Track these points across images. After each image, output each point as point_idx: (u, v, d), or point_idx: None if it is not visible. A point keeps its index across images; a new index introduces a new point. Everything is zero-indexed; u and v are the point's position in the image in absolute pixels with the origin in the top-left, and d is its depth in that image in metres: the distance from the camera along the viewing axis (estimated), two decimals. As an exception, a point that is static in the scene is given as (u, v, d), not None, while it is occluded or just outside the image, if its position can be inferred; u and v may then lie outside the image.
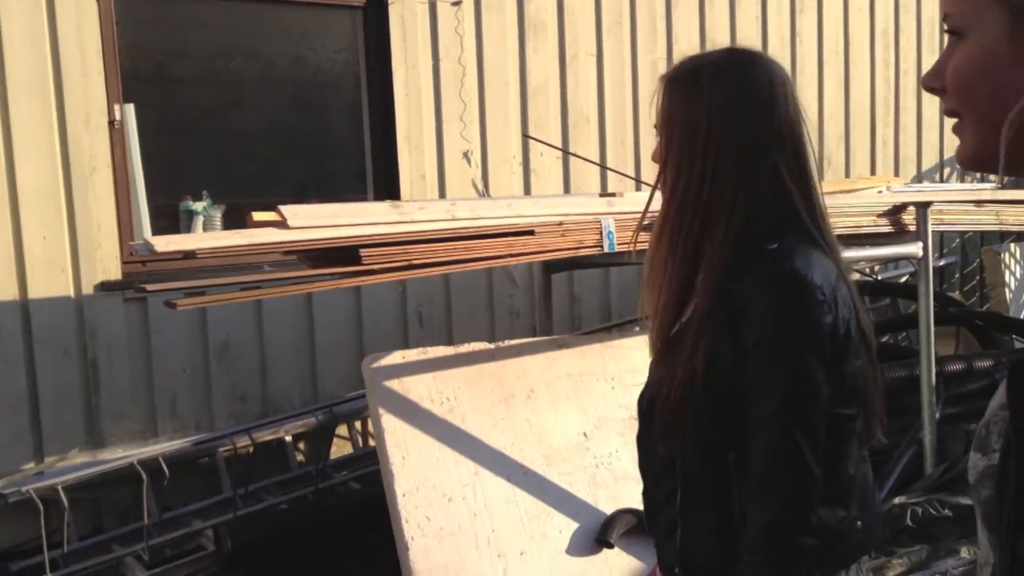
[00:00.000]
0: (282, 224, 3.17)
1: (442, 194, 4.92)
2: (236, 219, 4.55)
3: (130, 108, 4.10)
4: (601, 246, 3.55)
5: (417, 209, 3.55)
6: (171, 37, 4.39)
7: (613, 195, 4.45)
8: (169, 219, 4.47)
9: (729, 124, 1.42)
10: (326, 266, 3.25)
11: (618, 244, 3.56)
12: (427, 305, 4.89)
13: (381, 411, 3.61)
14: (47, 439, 3.87)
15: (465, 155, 4.95)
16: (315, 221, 3.23)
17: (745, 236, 1.42)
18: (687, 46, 5.66)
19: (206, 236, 3.09)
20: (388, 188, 4.83)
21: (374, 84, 4.81)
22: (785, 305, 1.36)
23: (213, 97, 4.61)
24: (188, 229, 4.48)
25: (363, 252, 3.20)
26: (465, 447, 3.65)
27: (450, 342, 4.89)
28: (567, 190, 5.24)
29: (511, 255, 3.59)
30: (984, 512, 0.81)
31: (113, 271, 4.04)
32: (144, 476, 3.70)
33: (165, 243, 2.92)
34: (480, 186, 5.01)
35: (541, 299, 4.35)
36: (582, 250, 3.52)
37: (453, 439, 3.64)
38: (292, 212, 3.20)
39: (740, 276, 1.40)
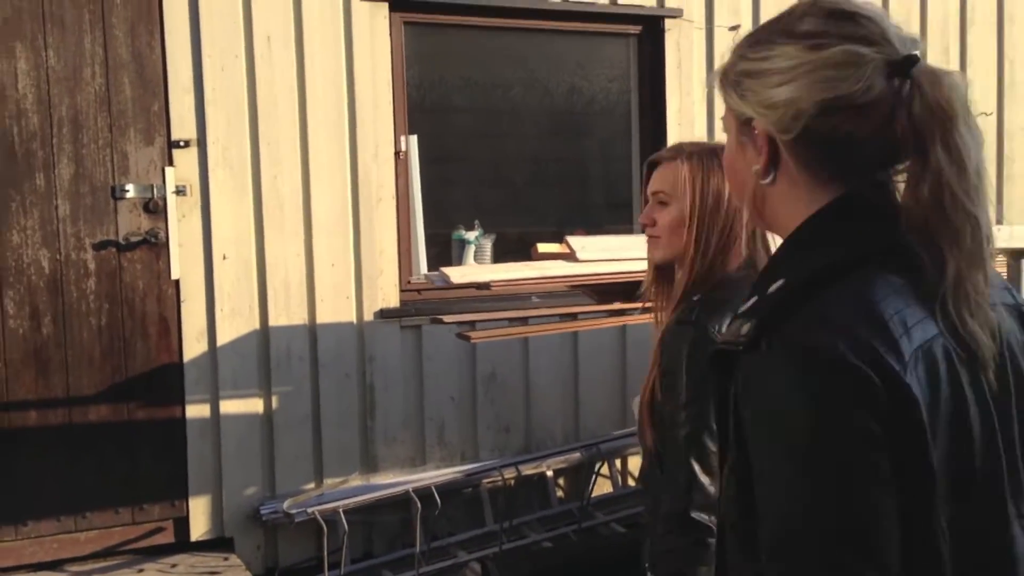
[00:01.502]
0: (570, 257, 3.08)
1: (712, 227, 4.70)
2: (504, 248, 4.56)
3: (413, 139, 4.19)
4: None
5: (704, 244, 3.37)
6: (452, 68, 4.47)
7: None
8: (439, 247, 4.53)
9: (713, 187, 1.79)
10: (612, 300, 3.13)
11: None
12: (693, 342, 4.67)
13: (655, 454, 3.45)
14: (327, 460, 3.99)
15: (737, 186, 4.71)
16: (603, 254, 3.13)
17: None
18: None
19: (498, 268, 3.06)
20: (656, 220, 4.67)
21: (646, 113, 4.69)
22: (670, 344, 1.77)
23: (488, 127, 4.66)
24: (459, 258, 4.52)
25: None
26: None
27: (715, 382, 4.66)
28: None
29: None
30: None
31: (392, 299, 4.12)
32: (418, 504, 3.72)
33: (460, 275, 2.91)
34: (752, 219, 4.75)
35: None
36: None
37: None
38: (580, 244, 3.12)
39: None
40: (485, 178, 4.78)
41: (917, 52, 0.94)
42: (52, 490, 3.60)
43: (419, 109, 4.34)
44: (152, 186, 3.66)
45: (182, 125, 3.71)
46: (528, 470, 4.20)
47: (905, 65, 0.93)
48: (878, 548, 0.84)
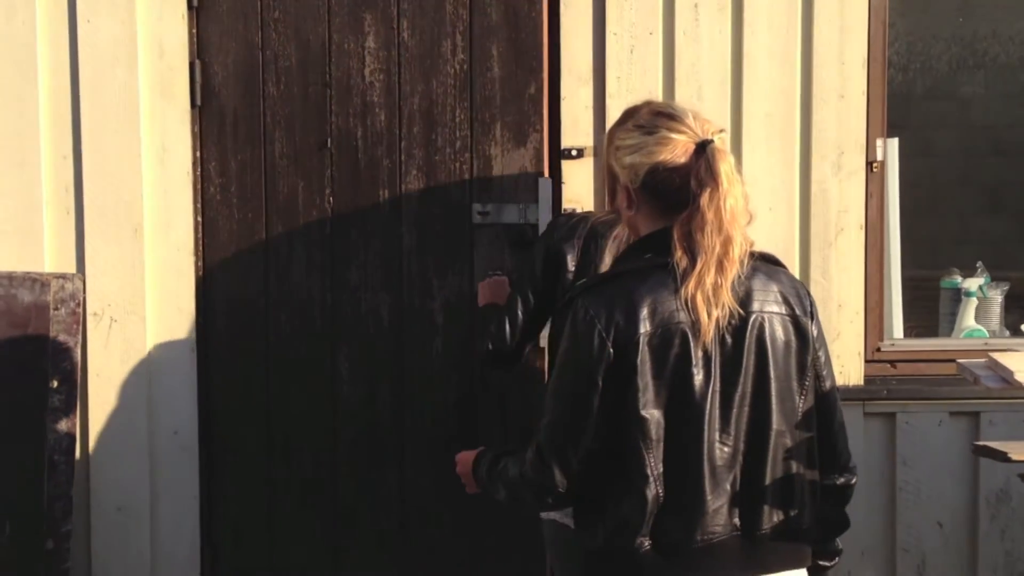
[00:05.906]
0: None
1: None
2: (1017, 303, 3.20)
3: (894, 144, 2.99)
4: None
5: None
6: (952, 39, 3.14)
7: None
8: (915, 298, 3.32)
9: None
10: None
11: None
12: None
13: None
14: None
15: None
16: None
17: None
18: None
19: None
20: None
21: None
22: None
23: (1002, 124, 3.26)
24: (951, 316, 3.30)
25: None
26: None
27: None
28: None
29: None
30: None
31: (852, 373, 2.94)
32: None
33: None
34: None
35: None
36: None
37: None
38: None
39: None
40: (987, 201, 3.40)
41: (711, 138, 1.54)
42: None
43: (901, 100, 3.07)
44: (522, 208, 2.77)
45: (575, 128, 2.82)
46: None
47: (702, 146, 1.54)
48: (576, 433, 1.54)
